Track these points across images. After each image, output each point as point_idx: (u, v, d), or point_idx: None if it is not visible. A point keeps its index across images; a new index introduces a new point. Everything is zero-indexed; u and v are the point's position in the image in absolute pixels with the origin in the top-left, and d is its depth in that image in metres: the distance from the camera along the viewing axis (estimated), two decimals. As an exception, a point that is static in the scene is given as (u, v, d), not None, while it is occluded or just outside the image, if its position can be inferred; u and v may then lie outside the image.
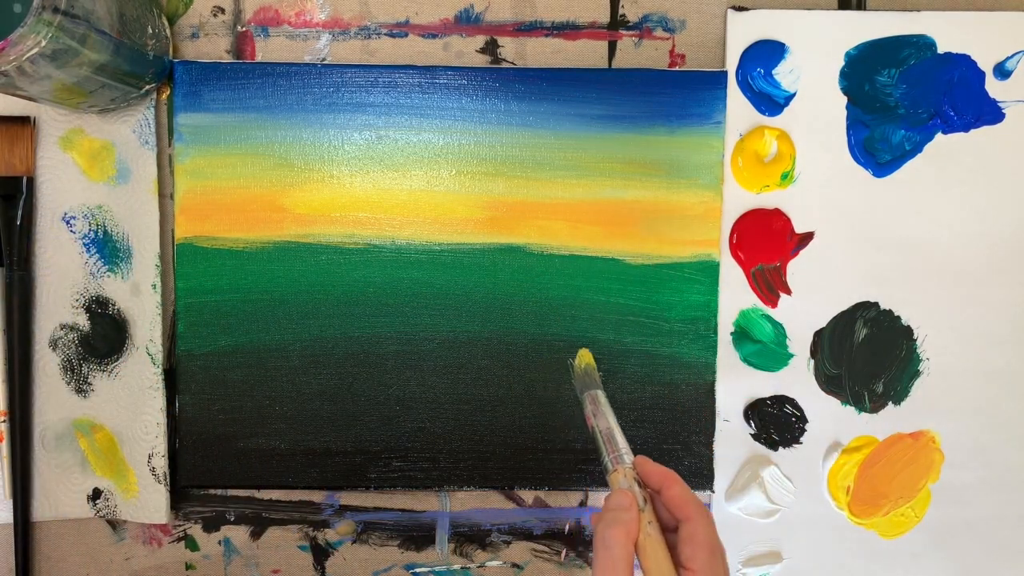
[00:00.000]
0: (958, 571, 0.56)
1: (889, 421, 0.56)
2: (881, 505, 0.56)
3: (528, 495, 0.56)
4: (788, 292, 0.55)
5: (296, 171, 0.53)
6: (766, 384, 0.55)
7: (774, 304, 0.55)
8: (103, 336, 0.53)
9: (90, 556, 0.55)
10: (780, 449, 0.55)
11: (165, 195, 0.54)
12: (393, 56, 0.54)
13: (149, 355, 0.53)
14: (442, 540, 0.56)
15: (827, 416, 0.55)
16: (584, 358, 0.44)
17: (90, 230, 0.53)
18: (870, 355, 0.55)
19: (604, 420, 0.41)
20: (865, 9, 0.55)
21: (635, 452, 0.54)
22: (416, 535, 0.56)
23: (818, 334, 0.55)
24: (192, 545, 0.55)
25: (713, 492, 0.55)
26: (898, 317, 0.55)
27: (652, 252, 0.54)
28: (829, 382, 0.55)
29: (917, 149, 0.55)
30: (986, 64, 0.54)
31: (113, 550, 0.55)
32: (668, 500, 0.39)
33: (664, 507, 0.39)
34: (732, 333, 0.55)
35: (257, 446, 0.54)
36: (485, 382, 0.54)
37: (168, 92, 0.53)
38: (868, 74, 0.54)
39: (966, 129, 0.54)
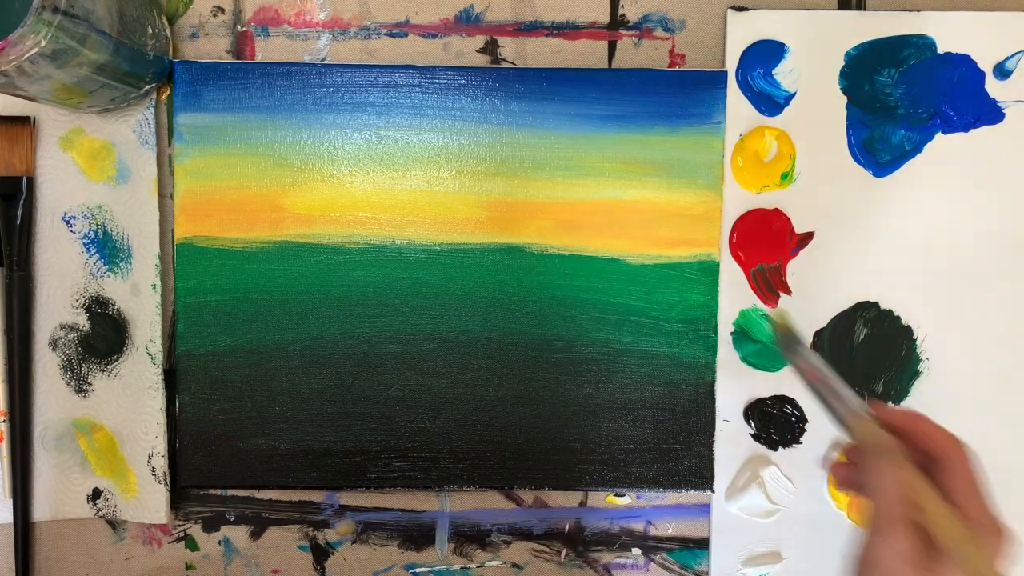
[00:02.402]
0: (958, 571, 0.56)
1: (889, 421, 0.56)
2: (881, 505, 0.56)
3: (528, 495, 0.56)
4: (788, 292, 0.55)
5: (296, 171, 0.53)
6: (766, 384, 0.55)
7: (774, 304, 0.55)
8: (103, 336, 0.53)
9: (90, 556, 0.55)
10: (780, 449, 0.55)
11: (165, 195, 0.54)
12: (393, 56, 0.54)
13: (149, 355, 0.53)
14: (442, 540, 0.56)
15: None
16: (782, 318, 0.43)
17: (90, 230, 0.53)
18: (870, 355, 0.55)
19: (824, 376, 0.39)
20: (865, 9, 0.55)
21: (635, 451, 0.55)
22: (416, 535, 0.56)
23: (818, 334, 0.55)
24: (192, 545, 0.55)
25: (713, 492, 0.55)
26: (898, 317, 0.55)
27: (652, 252, 0.54)
28: (829, 382, 0.55)
29: (917, 149, 0.55)
30: (986, 64, 0.54)
31: (113, 550, 0.55)
32: (920, 438, 0.36)
33: (916, 447, 0.36)
34: (732, 333, 0.55)
35: (257, 446, 0.54)
36: (485, 382, 0.54)
37: (168, 92, 0.53)
38: (868, 74, 0.54)
39: (966, 129, 0.54)
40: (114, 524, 0.55)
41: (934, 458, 0.36)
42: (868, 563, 0.35)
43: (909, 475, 0.34)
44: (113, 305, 0.53)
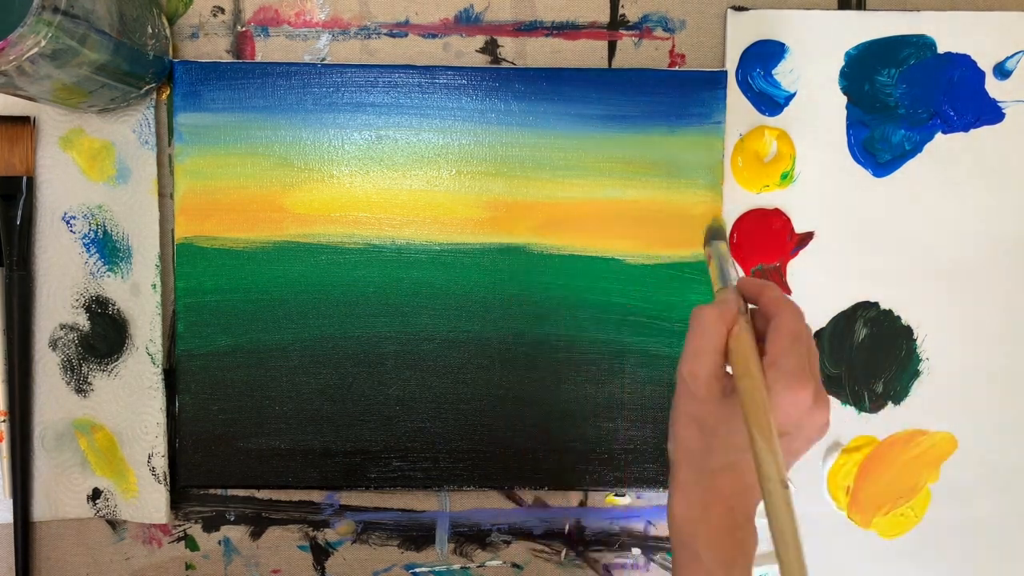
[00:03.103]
0: (958, 571, 0.56)
1: (889, 421, 0.56)
2: (881, 505, 0.56)
3: (528, 495, 0.56)
4: (788, 292, 0.55)
5: (296, 171, 0.53)
6: (766, 384, 0.55)
7: (774, 304, 0.55)
8: (103, 336, 0.53)
9: (90, 556, 0.55)
10: (780, 449, 0.55)
11: (165, 195, 0.54)
12: (393, 56, 0.54)
13: (149, 355, 0.53)
14: (442, 540, 0.56)
15: (827, 416, 0.55)
16: (718, 220, 0.49)
17: (90, 230, 0.53)
18: (870, 355, 0.55)
19: (720, 257, 0.44)
20: (865, 9, 0.55)
21: (635, 451, 0.55)
22: (416, 535, 0.56)
23: (818, 334, 0.55)
24: (192, 545, 0.55)
25: (713, 492, 0.55)
26: (898, 317, 0.55)
27: (652, 252, 0.54)
28: (829, 382, 0.55)
29: (917, 149, 0.55)
30: (986, 64, 0.54)
31: (113, 550, 0.55)
32: (764, 304, 0.40)
33: (760, 314, 0.41)
34: (732, 333, 0.55)
35: (257, 446, 0.54)
36: (485, 382, 0.54)
37: (168, 92, 0.53)
38: (868, 74, 0.54)
39: (966, 129, 0.54)
40: (114, 524, 0.55)
41: (770, 319, 0.40)
42: (681, 379, 0.40)
43: (731, 316, 0.40)
44: (113, 305, 0.53)
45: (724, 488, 0.39)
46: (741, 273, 0.53)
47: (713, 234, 0.47)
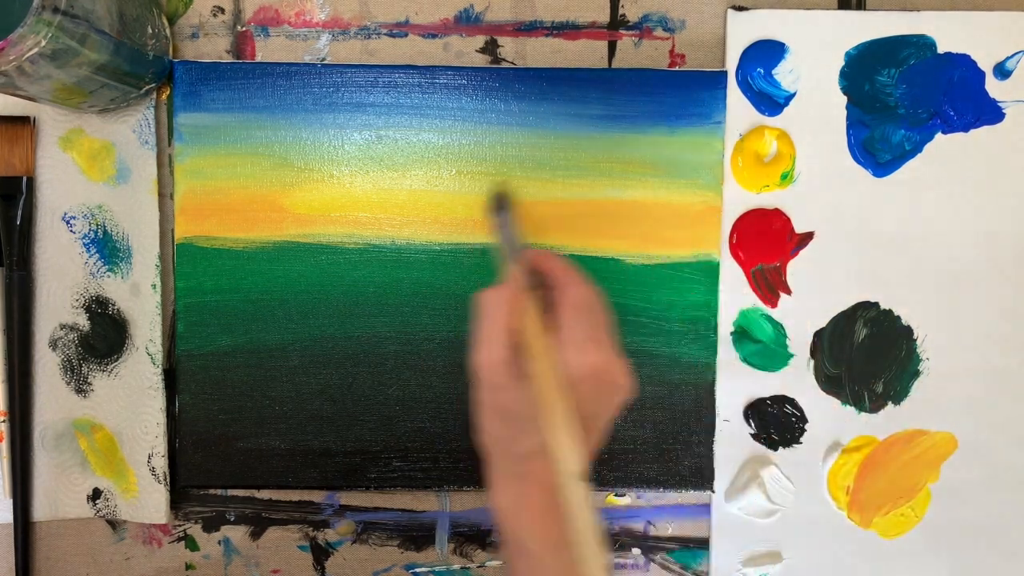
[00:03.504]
0: (958, 571, 0.56)
1: (889, 421, 0.56)
2: (881, 505, 0.56)
3: (528, 495, 0.56)
4: (788, 292, 0.55)
5: (296, 171, 0.53)
6: (766, 384, 0.55)
7: (774, 304, 0.55)
8: (103, 336, 0.53)
9: (90, 556, 0.55)
10: (780, 449, 0.55)
11: (165, 195, 0.54)
12: (393, 56, 0.54)
13: (149, 355, 0.53)
14: (442, 540, 0.56)
15: (827, 416, 0.55)
16: (502, 187, 0.47)
17: (90, 230, 0.53)
18: (870, 355, 0.55)
19: (508, 228, 0.43)
20: (865, 9, 0.55)
21: (635, 451, 0.55)
22: (416, 535, 0.56)
23: (818, 334, 0.55)
24: (192, 545, 0.55)
25: (713, 492, 0.55)
26: (898, 317, 0.55)
27: (652, 252, 0.54)
28: (829, 382, 0.55)
29: (917, 149, 0.55)
30: (986, 64, 0.54)
31: (113, 550, 0.55)
32: (549, 277, 0.40)
33: (550, 287, 0.40)
34: (732, 333, 0.55)
35: (257, 446, 0.54)
36: (485, 382, 0.54)
37: (168, 92, 0.53)
38: (868, 74, 0.54)
39: (966, 129, 0.54)
40: (114, 524, 0.55)
41: (552, 288, 0.40)
42: (475, 369, 0.39)
43: (514, 297, 0.39)
44: (113, 305, 0.53)
45: (538, 471, 0.38)
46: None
47: (497, 204, 0.45)
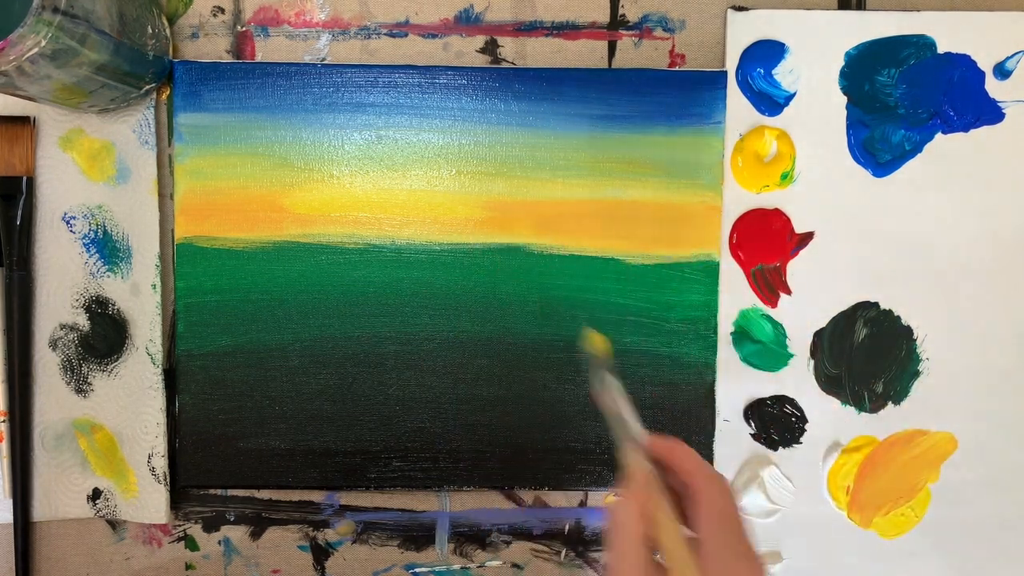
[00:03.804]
0: (958, 571, 0.56)
1: (889, 421, 0.56)
2: (881, 505, 0.56)
3: (528, 495, 0.56)
4: (788, 292, 0.55)
5: (296, 171, 0.53)
6: (766, 384, 0.55)
7: (774, 304, 0.55)
8: (103, 336, 0.53)
9: (90, 556, 0.55)
10: (780, 449, 0.55)
11: (165, 195, 0.54)
12: (393, 56, 0.54)
13: (149, 355, 0.53)
14: (442, 540, 0.56)
15: (827, 416, 0.55)
16: (596, 341, 0.44)
17: (90, 230, 0.53)
18: (870, 355, 0.55)
19: (613, 402, 0.41)
20: (865, 9, 0.55)
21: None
22: (416, 535, 0.56)
23: (818, 334, 0.55)
24: (192, 545, 0.55)
25: (713, 492, 0.55)
26: (898, 317, 0.55)
27: (652, 252, 0.54)
28: (829, 382, 0.55)
29: (917, 149, 0.55)
30: (986, 64, 0.54)
31: (113, 550, 0.55)
32: (679, 472, 0.38)
33: (674, 476, 0.38)
34: (732, 333, 0.55)
35: (257, 446, 0.54)
36: (485, 382, 0.54)
37: (168, 92, 0.53)
38: (868, 74, 0.54)
39: (966, 129, 0.54)
40: (114, 524, 0.55)
41: (687, 487, 0.38)
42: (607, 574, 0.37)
43: (649, 501, 0.37)
44: (113, 305, 0.53)
45: None
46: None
47: (600, 362, 0.43)
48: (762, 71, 0.54)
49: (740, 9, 0.54)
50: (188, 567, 0.56)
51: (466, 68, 0.53)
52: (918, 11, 0.54)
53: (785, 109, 0.54)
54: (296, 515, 0.56)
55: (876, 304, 0.55)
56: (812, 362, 0.55)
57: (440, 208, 0.54)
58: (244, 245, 0.53)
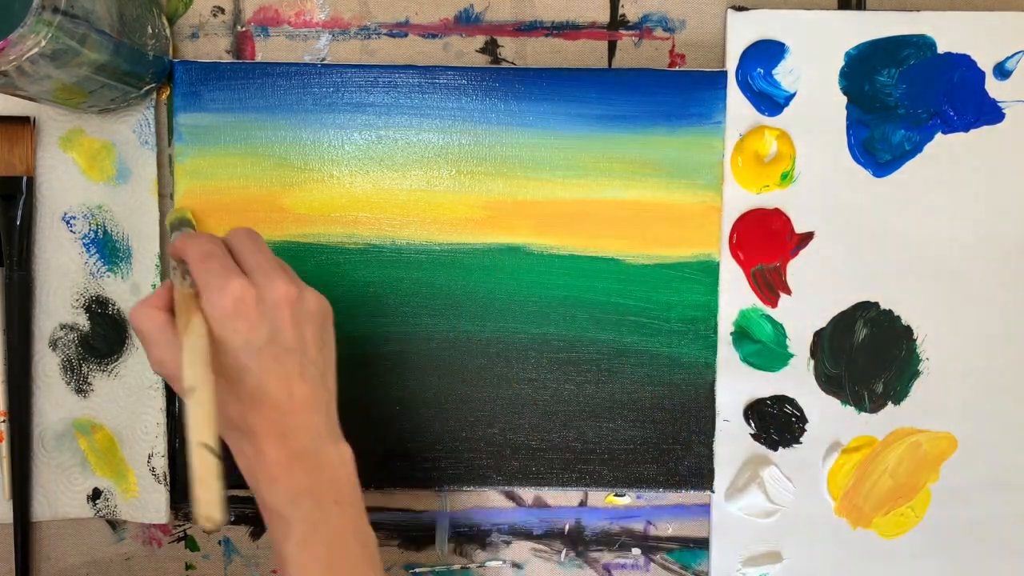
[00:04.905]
0: (958, 571, 0.56)
1: (889, 421, 0.56)
2: (881, 505, 0.56)
3: (528, 495, 0.56)
4: (788, 292, 0.55)
5: (296, 171, 0.53)
6: (766, 384, 0.55)
7: (774, 304, 0.55)
8: (103, 336, 0.53)
9: (90, 556, 0.55)
10: (780, 449, 0.55)
11: (165, 195, 0.54)
12: (393, 56, 0.54)
13: (149, 355, 0.53)
14: (442, 540, 0.56)
15: (827, 416, 0.55)
16: (183, 212, 0.51)
17: (90, 230, 0.53)
18: (870, 355, 0.55)
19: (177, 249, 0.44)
20: (865, 9, 0.55)
21: (635, 451, 0.55)
22: (416, 535, 0.56)
23: (818, 334, 0.55)
24: (192, 545, 0.55)
25: (713, 492, 0.55)
26: (898, 317, 0.55)
27: (652, 252, 0.54)
28: (829, 382, 0.55)
29: (917, 149, 0.55)
30: (986, 64, 0.54)
31: (113, 550, 0.55)
32: (183, 256, 0.42)
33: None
34: (732, 333, 0.55)
35: (257, 446, 0.54)
36: (485, 382, 0.54)
37: (168, 92, 0.53)
38: (868, 74, 0.54)
39: (966, 129, 0.54)
40: (114, 524, 0.55)
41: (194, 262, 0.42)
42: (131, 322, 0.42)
43: (168, 292, 0.41)
44: (113, 305, 0.53)
45: (256, 426, 0.41)
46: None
47: (176, 226, 0.49)
48: (762, 71, 0.54)
49: (740, 9, 0.54)
50: (188, 567, 0.55)
51: (466, 68, 0.53)
52: (918, 11, 0.54)
53: (785, 109, 0.54)
54: (296, 515, 0.55)
55: (876, 304, 0.55)
56: (812, 362, 0.55)
57: (440, 208, 0.54)
58: (244, 245, 0.53)
